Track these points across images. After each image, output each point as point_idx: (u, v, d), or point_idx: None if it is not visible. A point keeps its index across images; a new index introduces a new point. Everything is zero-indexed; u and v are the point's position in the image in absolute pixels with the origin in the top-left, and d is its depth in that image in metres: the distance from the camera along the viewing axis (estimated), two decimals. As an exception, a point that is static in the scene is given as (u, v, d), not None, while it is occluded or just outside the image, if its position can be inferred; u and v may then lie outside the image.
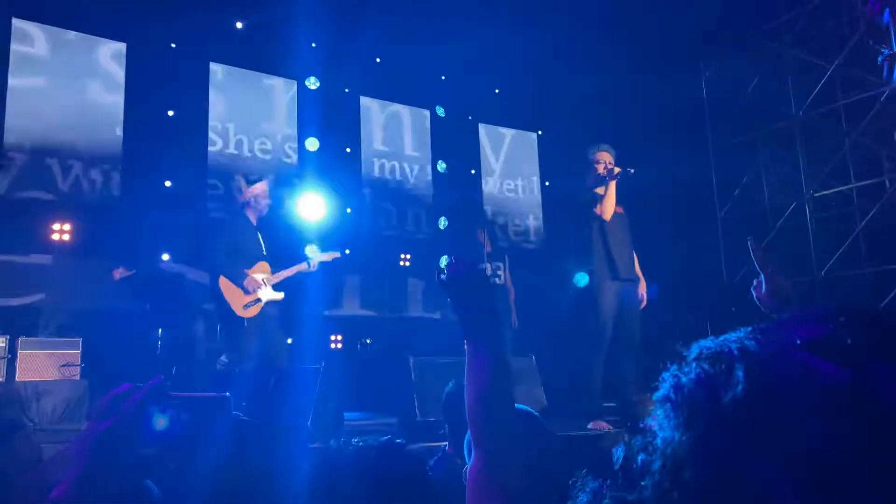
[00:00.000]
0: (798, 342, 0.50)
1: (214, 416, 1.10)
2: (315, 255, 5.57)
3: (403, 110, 10.36)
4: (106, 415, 1.03)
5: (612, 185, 4.98)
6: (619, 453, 0.80)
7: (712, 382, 0.53)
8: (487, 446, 1.15)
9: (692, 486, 0.50)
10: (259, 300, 5.25)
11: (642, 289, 5.27)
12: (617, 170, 4.99)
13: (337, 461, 1.19)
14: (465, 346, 1.24)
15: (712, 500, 0.49)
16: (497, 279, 6.67)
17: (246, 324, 5.30)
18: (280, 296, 5.38)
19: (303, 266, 5.43)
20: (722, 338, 0.57)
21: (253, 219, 5.58)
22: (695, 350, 0.59)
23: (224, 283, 5.34)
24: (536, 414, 1.70)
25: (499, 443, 1.15)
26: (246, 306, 5.23)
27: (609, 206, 4.98)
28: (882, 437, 0.44)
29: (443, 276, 1.32)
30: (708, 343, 0.59)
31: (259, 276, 5.31)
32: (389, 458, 1.28)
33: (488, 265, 6.66)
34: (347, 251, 9.41)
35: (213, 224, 8.46)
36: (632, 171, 5.06)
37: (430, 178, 10.38)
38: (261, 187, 5.76)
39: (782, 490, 0.46)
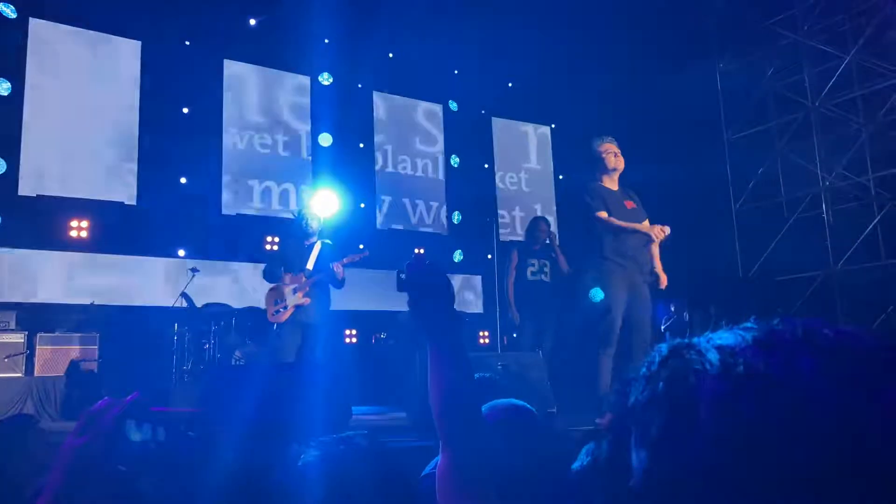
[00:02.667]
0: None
1: (189, 432, 1.10)
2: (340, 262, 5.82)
3: (417, 105, 10.37)
4: (83, 430, 1.06)
5: (638, 227, 4.91)
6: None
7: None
8: (453, 448, 1.15)
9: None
10: (286, 307, 5.66)
11: (659, 268, 5.20)
12: (661, 236, 4.91)
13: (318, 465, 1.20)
14: (428, 351, 1.23)
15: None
16: (543, 276, 6.58)
17: (275, 327, 5.78)
18: (304, 300, 5.67)
19: (329, 272, 5.67)
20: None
21: (304, 236, 5.96)
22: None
23: (266, 295, 5.89)
24: (531, 408, 1.69)
25: (464, 445, 1.14)
26: (274, 313, 5.71)
27: (615, 228, 4.90)
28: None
29: (402, 276, 1.30)
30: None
31: (289, 287, 5.72)
32: (373, 461, 1.28)
33: (535, 261, 6.59)
34: (362, 246, 9.48)
35: (227, 220, 8.56)
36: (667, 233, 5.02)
37: (443, 172, 10.39)
38: (307, 209, 6.14)
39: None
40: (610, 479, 0.55)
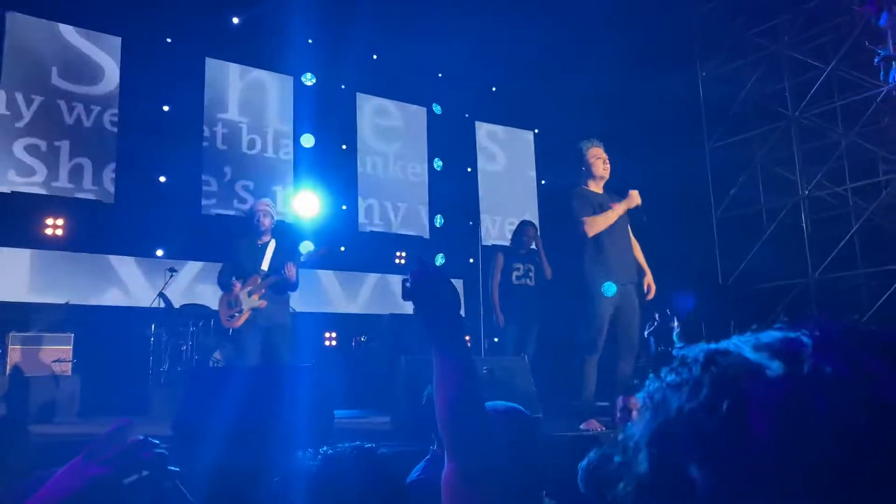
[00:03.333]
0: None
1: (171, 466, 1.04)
2: (305, 249, 5.68)
3: (400, 107, 10.34)
4: (107, 461, 0.99)
5: (618, 209, 4.89)
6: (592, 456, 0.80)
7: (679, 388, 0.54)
8: (461, 455, 1.14)
9: (644, 480, 0.52)
10: (241, 311, 5.48)
11: (649, 279, 5.23)
12: (623, 207, 4.90)
13: (309, 472, 1.16)
14: (433, 357, 1.23)
15: (658, 495, 0.51)
16: (528, 280, 6.56)
17: (230, 333, 5.63)
18: (259, 303, 5.49)
19: (282, 276, 5.51)
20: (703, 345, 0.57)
21: (257, 235, 5.73)
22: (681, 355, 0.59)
23: (219, 300, 5.71)
24: (525, 411, 1.67)
25: (472, 452, 1.14)
26: (229, 318, 5.52)
27: (601, 227, 4.87)
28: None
29: (407, 284, 1.29)
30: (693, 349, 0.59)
31: (243, 290, 5.52)
32: (363, 466, 1.26)
33: (520, 266, 6.58)
34: (343, 248, 9.42)
35: (206, 221, 8.45)
36: (645, 218, 5.04)
37: (426, 175, 10.36)
38: (256, 205, 5.91)
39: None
40: (661, 496, 0.52)
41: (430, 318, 1.24)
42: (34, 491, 1.03)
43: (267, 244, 5.72)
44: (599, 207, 4.98)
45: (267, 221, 5.73)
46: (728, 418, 0.49)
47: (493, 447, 1.16)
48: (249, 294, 5.50)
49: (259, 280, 5.53)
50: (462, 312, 1.46)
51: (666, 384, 0.56)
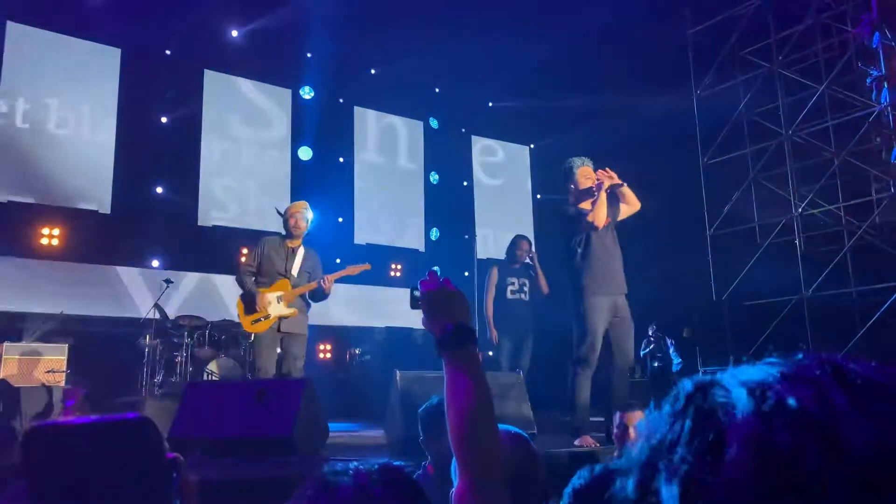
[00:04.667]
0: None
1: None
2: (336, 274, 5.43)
3: (397, 121, 10.39)
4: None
5: (603, 193, 4.93)
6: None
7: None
8: (474, 470, 1.11)
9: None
10: (268, 316, 5.23)
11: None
12: (606, 184, 4.94)
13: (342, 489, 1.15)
14: (444, 369, 1.20)
15: None
16: (522, 295, 6.53)
17: (252, 338, 5.44)
18: (290, 312, 5.25)
19: (313, 284, 5.31)
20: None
21: (289, 238, 5.48)
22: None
23: (239, 299, 5.41)
24: (524, 434, 1.68)
25: (486, 466, 1.11)
26: (253, 322, 5.26)
27: (601, 214, 4.91)
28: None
29: (416, 293, 1.26)
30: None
31: (272, 294, 5.28)
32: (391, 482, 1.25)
33: (515, 280, 6.53)
34: (338, 260, 9.42)
35: (203, 232, 8.46)
36: (623, 184, 5.04)
37: (422, 188, 10.40)
38: (293, 208, 5.56)
39: None
40: None
41: (441, 328, 1.21)
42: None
43: (297, 249, 5.42)
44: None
45: (303, 225, 5.42)
46: (703, 453, 0.50)
47: (506, 463, 1.14)
48: (279, 300, 5.23)
49: (290, 286, 5.27)
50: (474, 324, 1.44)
51: (662, 415, 0.57)
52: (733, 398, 0.52)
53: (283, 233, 5.50)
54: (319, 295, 5.38)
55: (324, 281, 5.26)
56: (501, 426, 1.68)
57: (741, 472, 0.48)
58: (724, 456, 0.49)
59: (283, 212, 5.55)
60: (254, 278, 5.35)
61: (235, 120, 9.05)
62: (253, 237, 8.50)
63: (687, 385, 0.58)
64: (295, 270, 5.34)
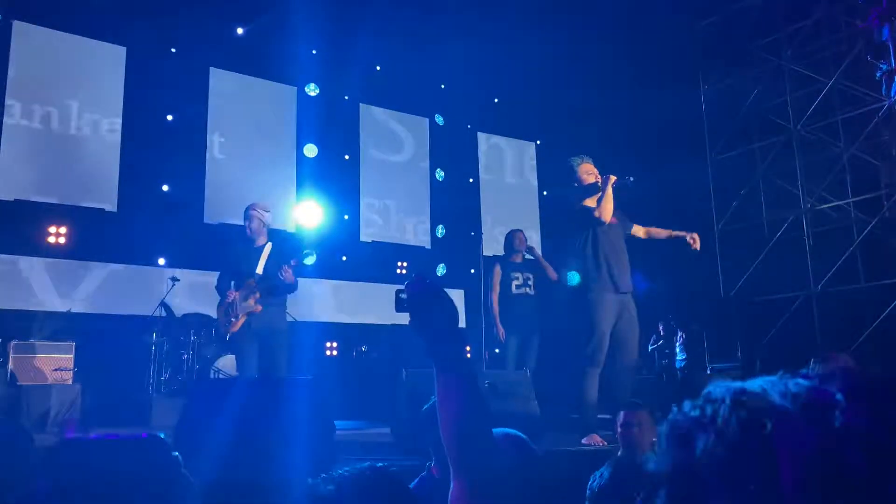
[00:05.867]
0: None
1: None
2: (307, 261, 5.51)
3: (403, 118, 10.37)
4: None
5: (610, 188, 4.90)
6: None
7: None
8: (468, 476, 1.12)
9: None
10: (237, 316, 5.34)
11: (687, 235, 5.16)
12: (613, 178, 4.91)
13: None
14: (435, 373, 1.18)
15: None
16: (528, 289, 6.48)
17: (228, 338, 5.47)
18: (257, 308, 5.32)
19: (278, 278, 5.39)
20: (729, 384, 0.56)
21: (254, 237, 5.59)
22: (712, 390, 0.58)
23: (217, 307, 5.55)
24: (524, 437, 1.65)
25: (479, 472, 1.11)
26: (226, 324, 5.40)
27: (608, 208, 4.89)
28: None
29: (402, 296, 1.24)
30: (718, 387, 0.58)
31: (240, 294, 5.39)
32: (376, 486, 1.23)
33: (518, 275, 6.49)
34: (344, 258, 9.43)
35: (209, 230, 8.46)
36: (631, 179, 5.00)
37: (428, 185, 10.38)
38: (250, 209, 5.66)
39: None
40: None
41: (427, 331, 1.20)
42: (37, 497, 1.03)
43: (262, 247, 5.54)
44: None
45: (253, 225, 5.54)
46: (757, 464, 0.49)
47: (502, 467, 1.13)
48: (245, 298, 5.34)
49: (254, 283, 5.37)
50: (462, 324, 1.41)
51: (691, 419, 0.55)
52: (783, 412, 0.51)
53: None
54: (285, 287, 5.41)
55: (282, 271, 5.26)
56: (501, 429, 1.66)
57: (802, 486, 0.47)
58: (779, 470, 0.48)
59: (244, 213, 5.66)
60: (233, 281, 5.47)
61: (241, 117, 9.04)
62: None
63: (723, 393, 0.56)
64: (260, 268, 5.45)
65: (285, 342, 5.52)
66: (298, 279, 5.50)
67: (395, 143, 10.26)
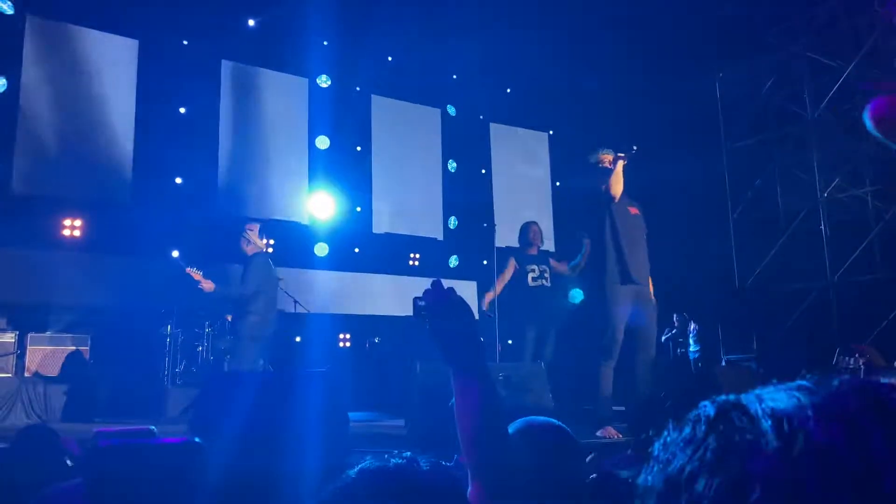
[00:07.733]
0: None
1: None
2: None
3: (415, 109, 10.34)
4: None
5: (620, 165, 4.90)
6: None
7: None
8: (485, 478, 1.13)
9: None
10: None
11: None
12: (623, 159, 4.91)
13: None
14: (452, 380, 1.18)
15: None
16: (544, 281, 6.43)
17: None
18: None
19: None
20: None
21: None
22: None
23: None
24: (564, 426, 1.61)
25: (496, 475, 1.13)
26: None
27: (617, 184, 4.89)
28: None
29: (420, 303, 1.23)
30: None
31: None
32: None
33: (535, 267, 6.46)
34: (357, 249, 9.43)
35: (222, 222, 8.48)
36: (635, 148, 4.98)
37: (440, 177, 10.35)
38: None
39: None
40: None
41: (445, 338, 1.20)
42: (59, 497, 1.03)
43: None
44: (620, 208, 5.02)
45: (241, 244, 5.94)
46: (724, 492, 0.46)
47: (519, 467, 1.14)
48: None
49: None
50: (475, 317, 1.40)
51: (680, 438, 0.52)
52: (759, 432, 0.48)
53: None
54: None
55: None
56: (540, 418, 1.62)
57: None
58: (747, 497, 0.45)
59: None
60: None
61: (253, 109, 9.05)
62: (272, 227, 8.53)
63: (709, 409, 0.53)
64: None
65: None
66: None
67: (406, 134, 10.23)
